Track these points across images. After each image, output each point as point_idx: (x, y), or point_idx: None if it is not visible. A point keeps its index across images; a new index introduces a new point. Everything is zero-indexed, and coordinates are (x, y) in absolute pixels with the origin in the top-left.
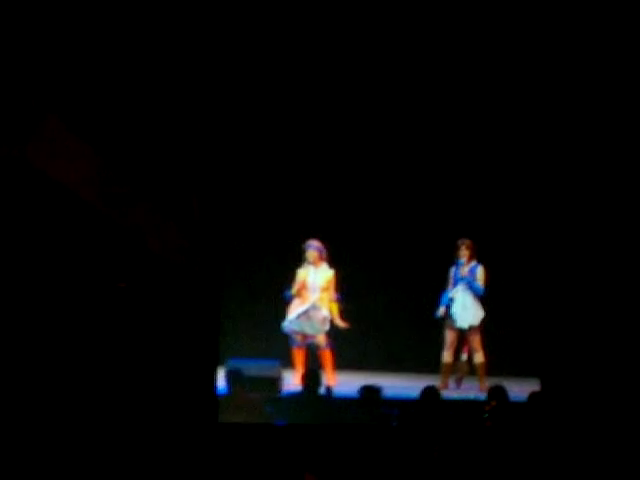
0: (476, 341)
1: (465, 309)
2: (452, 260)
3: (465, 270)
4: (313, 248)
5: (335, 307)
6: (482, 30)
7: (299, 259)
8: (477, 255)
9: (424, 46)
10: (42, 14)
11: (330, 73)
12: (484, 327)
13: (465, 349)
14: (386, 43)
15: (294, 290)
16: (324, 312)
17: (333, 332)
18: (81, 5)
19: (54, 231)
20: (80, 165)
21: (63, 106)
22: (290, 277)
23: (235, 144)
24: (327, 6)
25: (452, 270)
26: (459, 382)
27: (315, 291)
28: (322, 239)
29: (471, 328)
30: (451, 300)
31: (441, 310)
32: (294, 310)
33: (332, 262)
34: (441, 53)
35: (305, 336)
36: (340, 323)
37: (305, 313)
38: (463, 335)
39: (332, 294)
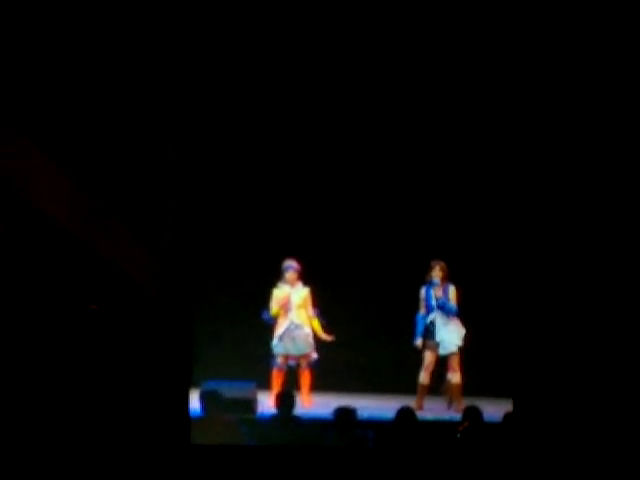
0: (455, 361)
1: (449, 332)
2: (424, 281)
3: (439, 292)
4: (293, 269)
5: (316, 322)
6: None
7: (272, 278)
8: (449, 276)
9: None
10: (17, 37)
11: (300, 97)
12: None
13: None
14: (359, 76)
15: (275, 310)
16: (306, 329)
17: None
18: (56, 29)
19: (24, 253)
20: (52, 187)
21: (36, 129)
22: (263, 297)
23: (206, 167)
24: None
25: (423, 291)
26: (451, 403)
27: (292, 310)
28: (297, 258)
29: (451, 352)
30: (432, 324)
31: (419, 341)
32: (277, 332)
33: (307, 282)
34: (410, 90)
35: (287, 357)
36: (325, 337)
37: (287, 333)
38: (444, 356)
39: (310, 311)
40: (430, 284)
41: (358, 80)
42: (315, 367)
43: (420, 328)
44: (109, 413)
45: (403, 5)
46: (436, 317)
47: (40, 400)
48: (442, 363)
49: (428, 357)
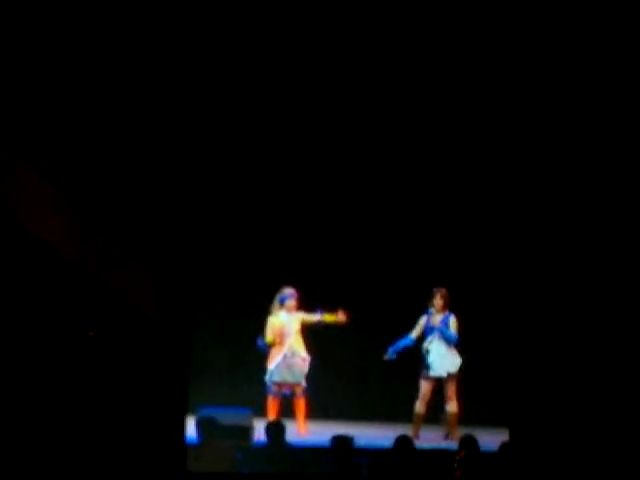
0: (451, 389)
1: (442, 357)
2: (425, 308)
3: (437, 319)
4: (294, 297)
5: (329, 316)
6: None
7: (269, 306)
8: (450, 304)
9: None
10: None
11: (290, 127)
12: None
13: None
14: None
15: (270, 338)
16: (302, 354)
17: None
18: (53, 55)
19: (23, 280)
20: (51, 214)
21: (37, 156)
22: (260, 323)
23: (204, 196)
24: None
25: (423, 318)
26: (447, 434)
27: (289, 338)
28: (294, 286)
29: (449, 376)
30: (427, 351)
31: (391, 354)
32: (273, 360)
33: (305, 310)
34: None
35: (282, 385)
36: (342, 317)
37: (284, 360)
38: (439, 385)
39: (314, 317)
40: (427, 313)
41: (360, 112)
42: (312, 395)
43: (400, 345)
44: (106, 438)
45: (404, 7)
46: (432, 342)
47: (38, 425)
48: (439, 393)
49: (424, 387)
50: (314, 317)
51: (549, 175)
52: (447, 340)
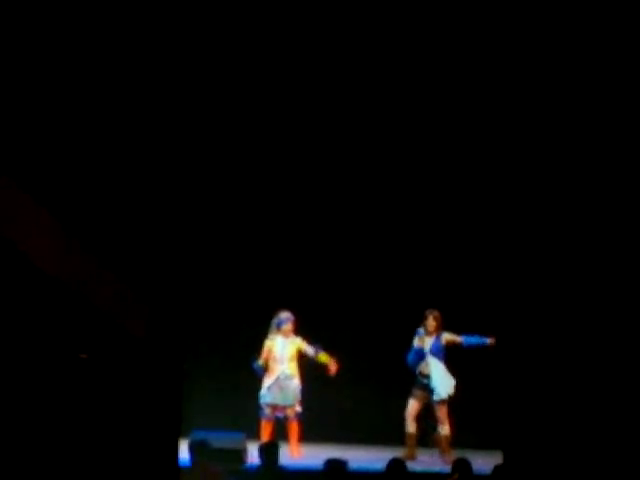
0: (443, 412)
1: (442, 379)
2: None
3: (428, 341)
4: (291, 321)
5: (324, 356)
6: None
7: (264, 329)
8: (443, 326)
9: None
10: None
11: (283, 149)
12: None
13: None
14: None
15: (264, 361)
16: (296, 381)
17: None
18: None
19: (14, 302)
20: (42, 236)
21: (30, 179)
22: (255, 346)
23: (196, 216)
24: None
25: (415, 340)
26: (444, 455)
27: (283, 362)
28: (287, 309)
29: (442, 399)
30: (425, 375)
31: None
32: (266, 382)
33: (297, 332)
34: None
35: (275, 408)
36: (334, 366)
37: (277, 383)
38: (430, 406)
39: (310, 351)
40: (417, 334)
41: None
42: (306, 418)
43: (411, 357)
44: (98, 462)
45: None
46: (429, 365)
47: (29, 450)
48: (430, 414)
49: (412, 405)
50: (309, 350)
51: (539, 196)
52: (440, 359)
